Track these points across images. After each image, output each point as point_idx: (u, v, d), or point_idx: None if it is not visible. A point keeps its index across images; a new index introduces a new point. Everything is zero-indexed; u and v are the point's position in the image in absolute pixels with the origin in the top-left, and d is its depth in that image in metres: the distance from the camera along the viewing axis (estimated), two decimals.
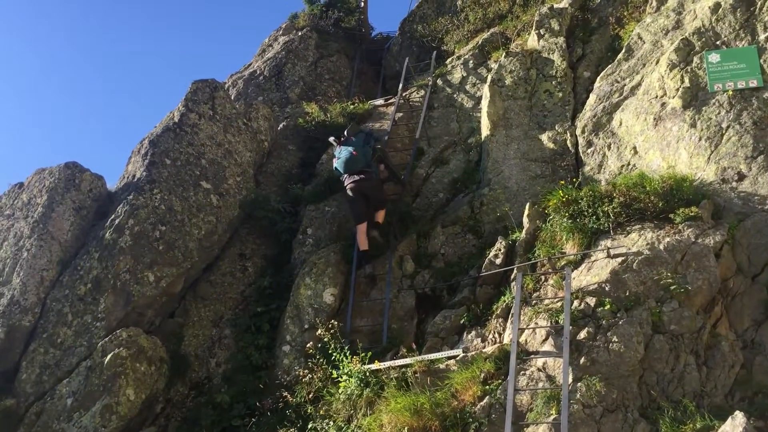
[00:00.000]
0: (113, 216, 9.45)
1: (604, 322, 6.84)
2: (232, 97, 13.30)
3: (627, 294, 7.03)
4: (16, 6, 48.36)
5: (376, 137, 10.82)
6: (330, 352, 7.78)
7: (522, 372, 6.85)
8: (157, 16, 51.83)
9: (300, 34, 15.64)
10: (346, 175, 9.94)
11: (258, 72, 14.78)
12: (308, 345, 8.05)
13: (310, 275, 9.43)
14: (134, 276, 9.09)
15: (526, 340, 7.17)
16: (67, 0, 49.32)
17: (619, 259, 7.29)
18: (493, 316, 7.97)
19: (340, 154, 10.09)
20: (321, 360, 7.91)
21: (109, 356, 8.36)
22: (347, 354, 7.69)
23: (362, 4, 17.40)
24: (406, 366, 7.45)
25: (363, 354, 7.63)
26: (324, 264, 9.54)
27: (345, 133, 10.44)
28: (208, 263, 10.32)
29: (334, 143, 10.45)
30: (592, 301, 7.09)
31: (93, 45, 51.75)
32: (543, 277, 7.87)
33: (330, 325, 7.94)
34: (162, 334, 9.38)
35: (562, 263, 7.79)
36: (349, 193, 9.87)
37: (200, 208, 10.07)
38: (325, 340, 7.83)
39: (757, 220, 7.55)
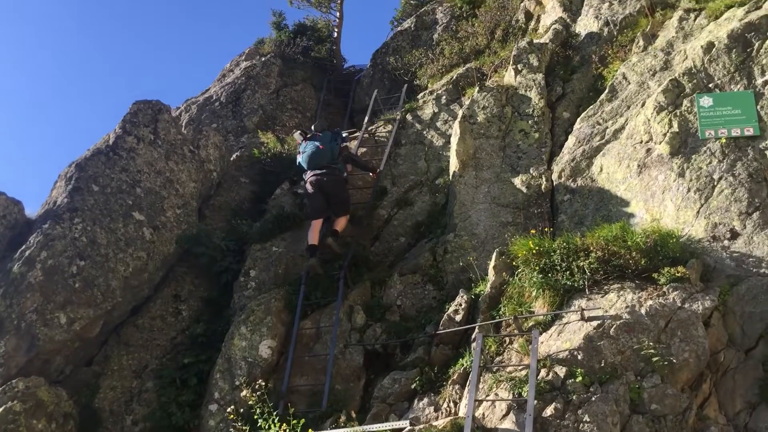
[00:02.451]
0: (24, 247, 8.30)
1: (574, 397, 5.85)
2: (184, 123, 12.34)
3: (602, 364, 6.07)
4: None
5: (344, 138, 10.46)
6: (255, 417, 6.64)
7: None
8: (116, 32, 50.83)
9: (263, 59, 14.76)
10: (309, 171, 9.62)
11: (214, 97, 13.83)
12: (229, 409, 6.87)
13: (247, 324, 8.31)
14: (42, 317, 7.90)
15: (483, 414, 6.13)
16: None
17: (595, 323, 6.35)
18: (449, 382, 6.92)
19: (306, 149, 9.74)
20: (245, 426, 6.75)
21: None
22: (275, 421, 6.55)
23: (335, 34, 16.65)
24: None
25: (294, 421, 6.49)
26: (263, 312, 8.43)
27: (312, 128, 10.13)
28: (136, 304, 9.17)
29: (299, 139, 10.02)
30: (561, 371, 6.11)
31: (56, 55, 50.61)
32: (507, 339, 6.88)
33: (257, 385, 6.79)
34: (73, 385, 8.19)
35: (530, 324, 6.81)
36: (309, 187, 9.56)
37: (129, 242, 8.94)
38: (250, 403, 6.69)
39: (752, 285, 6.66)
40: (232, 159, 11.83)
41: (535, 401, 5.76)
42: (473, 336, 7.00)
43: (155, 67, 52.50)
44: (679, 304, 6.40)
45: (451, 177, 9.69)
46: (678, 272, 6.63)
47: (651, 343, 6.10)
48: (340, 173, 9.73)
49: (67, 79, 51.27)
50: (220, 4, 52.00)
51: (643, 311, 6.33)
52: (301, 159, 9.78)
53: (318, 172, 9.52)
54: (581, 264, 6.83)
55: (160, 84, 50.71)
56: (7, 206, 8.88)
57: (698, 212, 7.32)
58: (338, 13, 17.22)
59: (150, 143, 9.90)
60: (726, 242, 7.06)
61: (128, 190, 9.32)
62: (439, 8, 15.55)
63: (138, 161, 9.63)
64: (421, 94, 12.44)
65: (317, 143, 9.65)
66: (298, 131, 10.14)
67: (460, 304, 7.59)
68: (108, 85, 52.06)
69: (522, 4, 13.05)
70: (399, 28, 16.09)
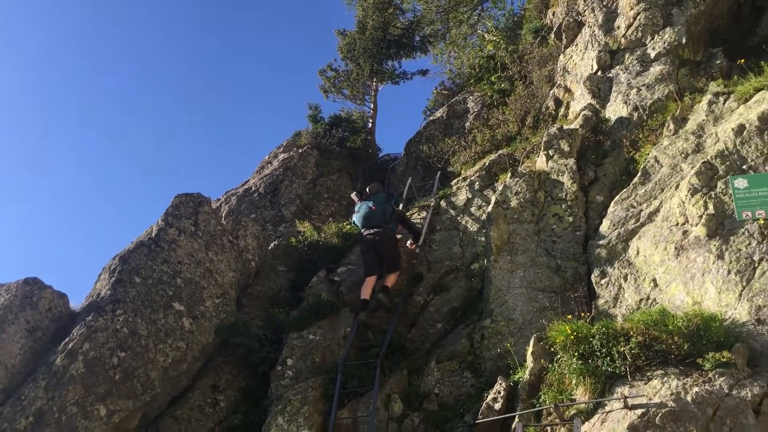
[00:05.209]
0: (67, 339, 8.45)
1: None
2: (224, 214, 12.63)
3: None
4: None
5: (397, 199, 11.40)
6: None
7: None
8: (161, 131, 53.19)
9: (300, 151, 15.23)
10: (363, 230, 10.57)
11: (253, 189, 14.23)
12: None
13: (283, 414, 8.24)
14: (83, 409, 7.95)
15: None
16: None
17: (639, 411, 6.11)
18: None
19: (360, 209, 10.65)
20: None
21: None
22: None
23: (370, 124, 17.14)
24: None
25: None
26: (300, 401, 8.37)
27: (368, 189, 11.05)
28: (175, 395, 9.18)
29: (356, 198, 11.03)
30: None
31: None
32: (549, 429, 6.68)
33: None
34: None
35: (572, 413, 6.61)
36: (362, 245, 10.44)
37: (169, 333, 9.05)
38: None
39: None
40: (269, 248, 12.03)
41: None
42: (513, 425, 6.82)
43: (197, 160, 54.48)
44: (727, 391, 6.16)
45: (486, 262, 9.70)
46: (723, 357, 6.40)
47: None
48: (392, 232, 10.56)
49: (117, 177, 53.44)
50: (258, 99, 54.26)
51: (689, 398, 6.11)
52: (355, 218, 10.84)
53: (371, 231, 10.40)
54: (622, 349, 6.66)
55: (202, 177, 52.55)
56: (52, 299, 9.10)
57: (740, 295, 7.16)
58: (372, 105, 17.81)
59: (191, 235, 10.15)
60: None
61: (169, 281, 9.50)
62: (470, 97, 15.97)
63: (179, 252, 9.85)
64: (455, 181, 12.62)
65: (370, 203, 10.59)
66: (355, 192, 11.24)
67: (499, 392, 7.44)
68: (153, 179, 54.09)
69: (551, 92, 13.33)
70: (431, 118, 16.55)
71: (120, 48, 53.50)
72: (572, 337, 6.96)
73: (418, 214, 12.07)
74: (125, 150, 55.62)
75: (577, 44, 13.23)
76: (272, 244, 12.22)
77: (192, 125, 56.16)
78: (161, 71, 55.28)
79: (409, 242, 11.12)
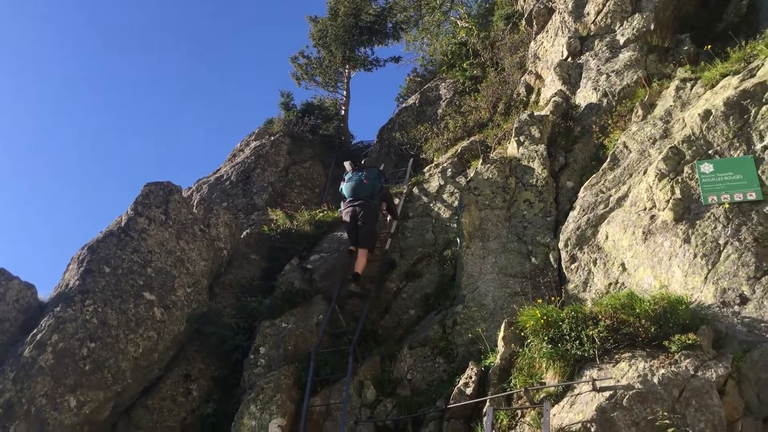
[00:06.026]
0: (35, 330, 8.34)
1: None
2: (195, 202, 12.53)
3: None
4: None
5: (387, 178, 11.62)
6: None
7: None
8: (130, 117, 52.62)
9: (272, 138, 15.14)
10: (348, 200, 10.67)
11: (225, 177, 14.14)
12: None
13: (256, 402, 8.24)
14: (52, 401, 7.88)
15: None
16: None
17: (607, 393, 6.21)
18: None
19: (350, 179, 10.74)
20: None
21: None
22: None
23: (342, 111, 17.08)
24: None
25: None
26: (273, 389, 8.36)
27: (362, 162, 11.34)
28: (147, 385, 9.12)
29: (349, 167, 11.08)
30: None
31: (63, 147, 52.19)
32: (519, 412, 6.75)
33: None
34: None
35: (541, 396, 6.68)
36: (345, 218, 10.66)
37: (140, 323, 8.98)
38: None
39: (765, 351, 6.50)
40: (242, 236, 11.97)
41: None
42: (484, 409, 6.89)
43: (168, 148, 53.90)
44: (692, 372, 6.28)
45: (458, 248, 9.75)
46: (689, 339, 6.51)
47: (665, 414, 5.93)
48: (375, 208, 10.73)
49: (83, 165, 52.68)
50: (230, 86, 53.76)
51: (655, 380, 6.21)
52: (344, 186, 10.92)
53: (355, 202, 10.56)
54: (590, 333, 6.75)
55: (172, 165, 52.05)
56: (20, 290, 8.97)
57: (706, 278, 7.29)
58: (345, 92, 17.77)
59: (161, 224, 10.06)
60: (736, 308, 6.98)
61: (139, 270, 9.42)
62: (442, 84, 15.98)
63: (149, 242, 9.77)
64: (427, 168, 12.64)
65: (362, 176, 10.71)
66: (349, 161, 11.28)
67: (470, 377, 7.50)
68: (122, 168, 53.45)
69: (522, 78, 13.38)
70: (404, 105, 16.54)
71: (80, 32, 52.69)
72: (542, 321, 7.04)
73: None
74: (91, 139, 54.87)
75: (547, 31, 13.28)
76: (244, 233, 12.16)
77: (162, 113, 55.60)
78: (131, 61, 54.56)
79: (388, 218, 11.39)
